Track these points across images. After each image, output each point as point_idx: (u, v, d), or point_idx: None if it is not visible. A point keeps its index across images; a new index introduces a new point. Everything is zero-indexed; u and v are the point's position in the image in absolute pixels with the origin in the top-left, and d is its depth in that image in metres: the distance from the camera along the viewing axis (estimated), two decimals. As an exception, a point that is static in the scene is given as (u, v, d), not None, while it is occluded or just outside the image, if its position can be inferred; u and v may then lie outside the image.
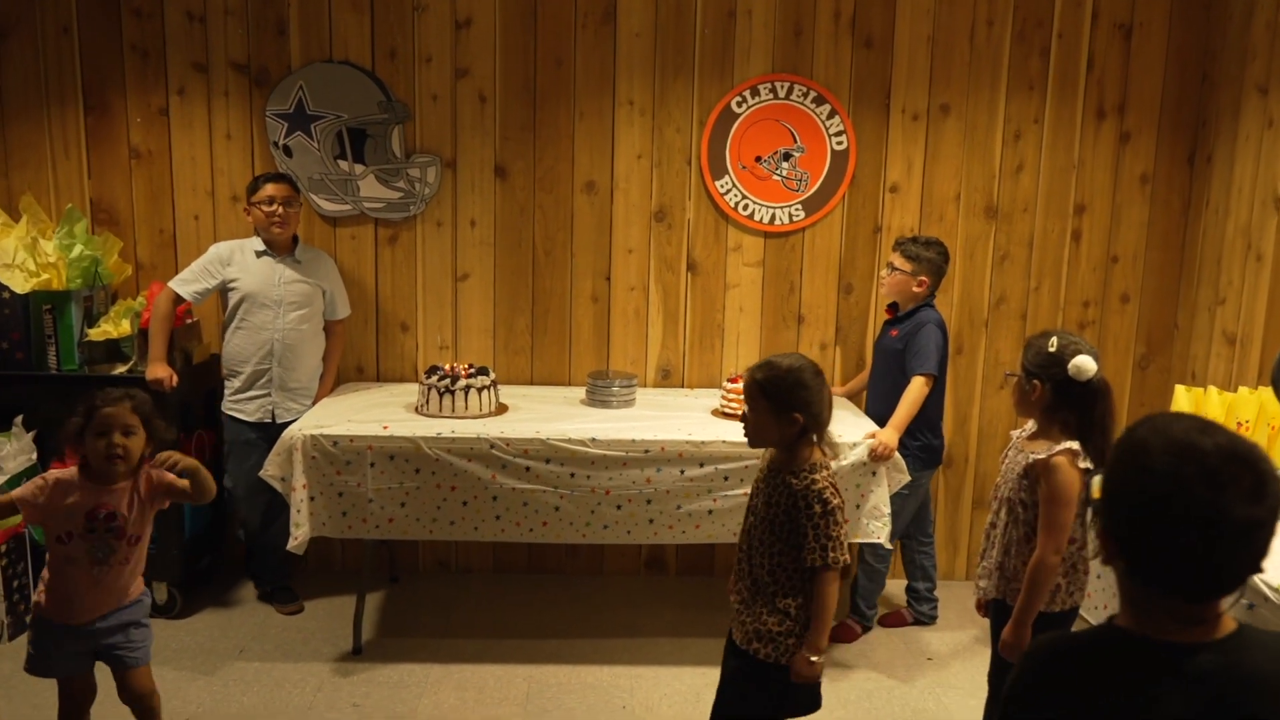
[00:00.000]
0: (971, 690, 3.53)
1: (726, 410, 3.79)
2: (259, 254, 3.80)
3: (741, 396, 3.73)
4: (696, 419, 3.74)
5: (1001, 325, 4.32)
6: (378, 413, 3.69)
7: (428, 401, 3.70)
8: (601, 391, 3.91)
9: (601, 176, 4.18)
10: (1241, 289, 3.88)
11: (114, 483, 2.64)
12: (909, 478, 3.62)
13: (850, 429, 3.61)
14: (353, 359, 4.28)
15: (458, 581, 4.36)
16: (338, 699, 3.34)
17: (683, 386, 4.34)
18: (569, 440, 3.45)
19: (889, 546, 3.65)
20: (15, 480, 3.69)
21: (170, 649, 3.62)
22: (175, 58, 4.08)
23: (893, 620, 4.05)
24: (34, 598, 2.74)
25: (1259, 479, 1.21)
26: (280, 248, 3.83)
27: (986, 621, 2.80)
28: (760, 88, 4.11)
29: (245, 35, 4.06)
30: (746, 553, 2.51)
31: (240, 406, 3.84)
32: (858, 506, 3.53)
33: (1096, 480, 1.35)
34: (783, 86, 4.11)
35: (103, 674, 2.79)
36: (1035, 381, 2.57)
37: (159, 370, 3.63)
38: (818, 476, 2.38)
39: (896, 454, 3.54)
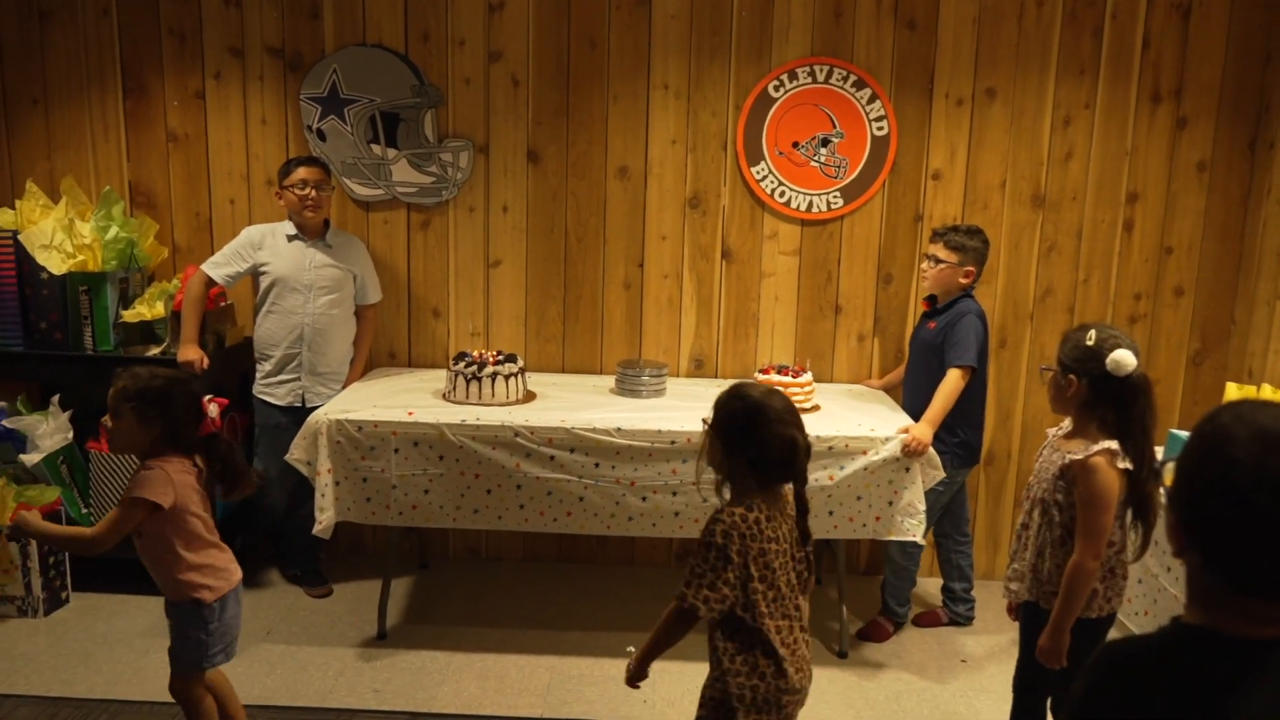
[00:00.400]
0: (1006, 695, 3.39)
1: (757, 401, 3.71)
2: (290, 238, 3.81)
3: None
4: (726, 410, 3.66)
5: (1047, 318, 4.17)
6: (405, 398, 3.68)
7: (454, 388, 3.67)
8: (631, 381, 3.85)
9: (635, 162, 4.11)
10: (1303, 283, 3.70)
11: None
12: (944, 474, 3.51)
13: (884, 423, 3.51)
14: (385, 344, 4.28)
15: (487, 569, 4.34)
16: (358, 684, 3.34)
17: (716, 377, 4.26)
18: (594, 430, 3.40)
19: (921, 543, 3.54)
20: (51, 459, 3.75)
21: (199, 629, 3.65)
22: (211, 41, 4.09)
23: (927, 620, 3.94)
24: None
25: None
26: (311, 232, 3.83)
27: (1023, 624, 2.70)
28: (799, 71, 4.01)
29: (280, 19, 4.06)
30: None
31: (271, 390, 3.86)
32: (890, 503, 3.43)
33: (1170, 466, 1.27)
34: (822, 70, 4.00)
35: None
36: (1071, 376, 2.45)
37: (190, 352, 3.65)
38: (731, 513, 2.13)
39: (931, 449, 3.43)
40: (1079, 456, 2.41)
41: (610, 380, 4.00)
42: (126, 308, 3.82)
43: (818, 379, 4.16)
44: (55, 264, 3.70)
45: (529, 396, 3.78)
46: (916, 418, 3.55)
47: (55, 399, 3.75)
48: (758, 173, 4.08)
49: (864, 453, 3.39)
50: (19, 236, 3.76)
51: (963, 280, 3.65)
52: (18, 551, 3.64)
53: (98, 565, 3.92)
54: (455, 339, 4.28)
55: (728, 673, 2.21)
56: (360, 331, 4.02)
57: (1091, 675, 1.28)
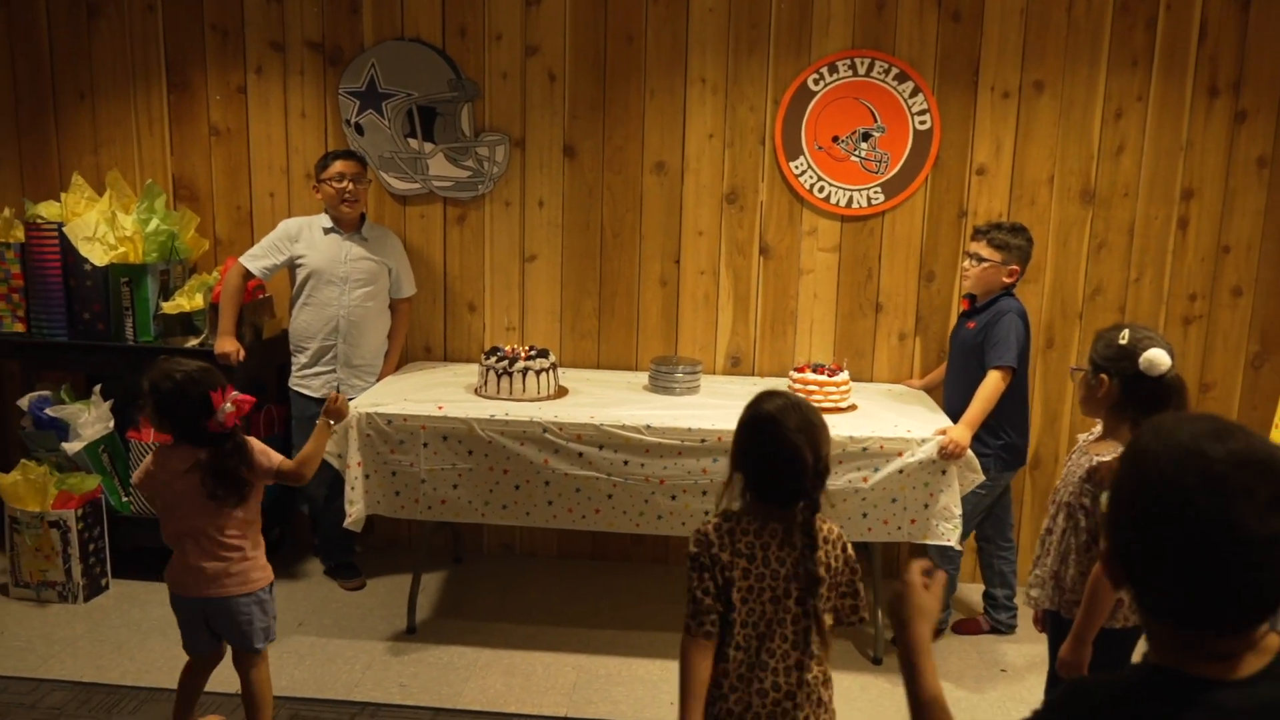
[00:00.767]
0: (1045, 706, 3.30)
1: (792, 400, 3.64)
2: (326, 231, 3.82)
3: (809, 388, 3.61)
4: (759, 408, 3.59)
5: (1097, 318, 4.03)
6: (436, 392, 3.67)
7: (485, 383, 3.66)
8: (664, 378, 3.80)
9: (672, 157, 4.06)
10: (1368, 283, 3.53)
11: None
12: (983, 477, 3.41)
13: (921, 424, 3.42)
14: (420, 338, 4.28)
15: (520, 565, 4.33)
16: (385, 678, 3.34)
17: (753, 375, 4.20)
18: (623, 426, 3.36)
19: (959, 548, 3.44)
20: (93, 447, 3.81)
21: (232, 619, 3.68)
22: (253, 36, 4.12)
23: (968, 628, 3.84)
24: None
25: (1277, 487, 1.03)
26: (347, 225, 3.84)
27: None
28: (839, 64, 3.92)
29: (320, 14, 4.08)
30: None
31: (306, 382, 3.88)
32: (926, 506, 3.34)
33: (1104, 496, 1.19)
34: (863, 63, 3.91)
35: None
36: (1103, 376, 2.36)
37: (226, 344, 3.68)
38: (705, 523, 2.05)
39: (969, 452, 3.34)
40: (1107, 459, 2.31)
41: (644, 377, 3.96)
42: (167, 299, 3.87)
43: (857, 378, 4.09)
44: (97, 256, 3.76)
45: (560, 392, 3.75)
46: (957, 419, 3.46)
47: (97, 389, 3.81)
48: (796, 167, 4.00)
49: (899, 454, 3.30)
50: (64, 229, 3.82)
51: (1006, 279, 3.55)
52: (58, 538, 3.70)
53: (137, 553, 3.99)
54: (490, 334, 4.26)
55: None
56: (395, 325, 4.03)
57: (1054, 712, 1.20)
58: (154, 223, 3.84)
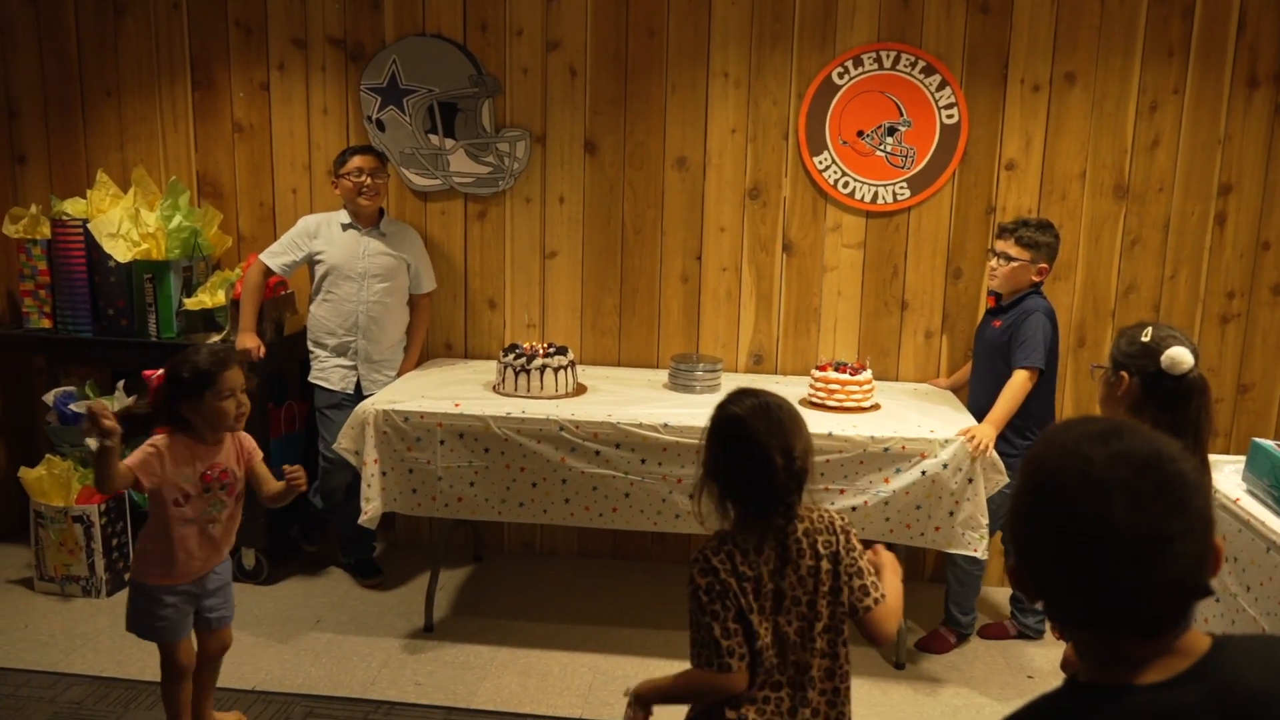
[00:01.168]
0: (1071, 714, 3.22)
1: (814, 400, 3.58)
2: (345, 227, 3.82)
3: (830, 387, 3.55)
4: (780, 407, 3.53)
5: (1130, 317, 3.92)
6: (454, 390, 3.65)
7: (504, 380, 3.63)
8: (684, 376, 3.76)
9: (693, 152, 4.01)
10: None
11: (220, 442, 2.73)
12: (1007, 478, 3.33)
13: (945, 425, 3.34)
14: (441, 335, 4.27)
15: (540, 563, 4.30)
16: (400, 676, 3.33)
17: (775, 373, 4.14)
18: (640, 425, 3.32)
19: (984, 557, 3.36)
20: (114, 443, 3.83)
21: (252, 615, 3.69)
22: (276, 33, 4.13)
23: (994, 632, 3.76)
24: (133, 566, 2.78)
25: (1161, 485, 1.01)
26: (366, 220, 3.83)
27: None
28: (864, 57, 3.85)
29: (342, 10, 4.07)
30: None
31: (326, 376, 3.87)
32: (951, 514, 3.26)
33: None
34: (888, 56, 3.84)
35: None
36: (1123, 374, 2.29)
37: (248, 340, 3.69)
38: (701, 556, 1.91)
39: (994, 452, 3.26)
40: None
41: (664, 375, 3.91)
42: (190, 296, 3.88)
43: (882, 377, 4.01)
44: (121, 252, 3.78)
45: (579, 390, 3.72)
46: (982, 419, 3.38)
47: (120, 384, 3.84)
48: (820, 163, 3.94)
49: (922, 456, 3.23)
50: (88, 225, 3.85)
51: (1034, 278, 3.47)
52: (82, 533, 3.73)
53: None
54: (511, 330, 4.24)
55: None
56: (414, 320, 4.02)
57: None
58: (177, 219, 3.86)
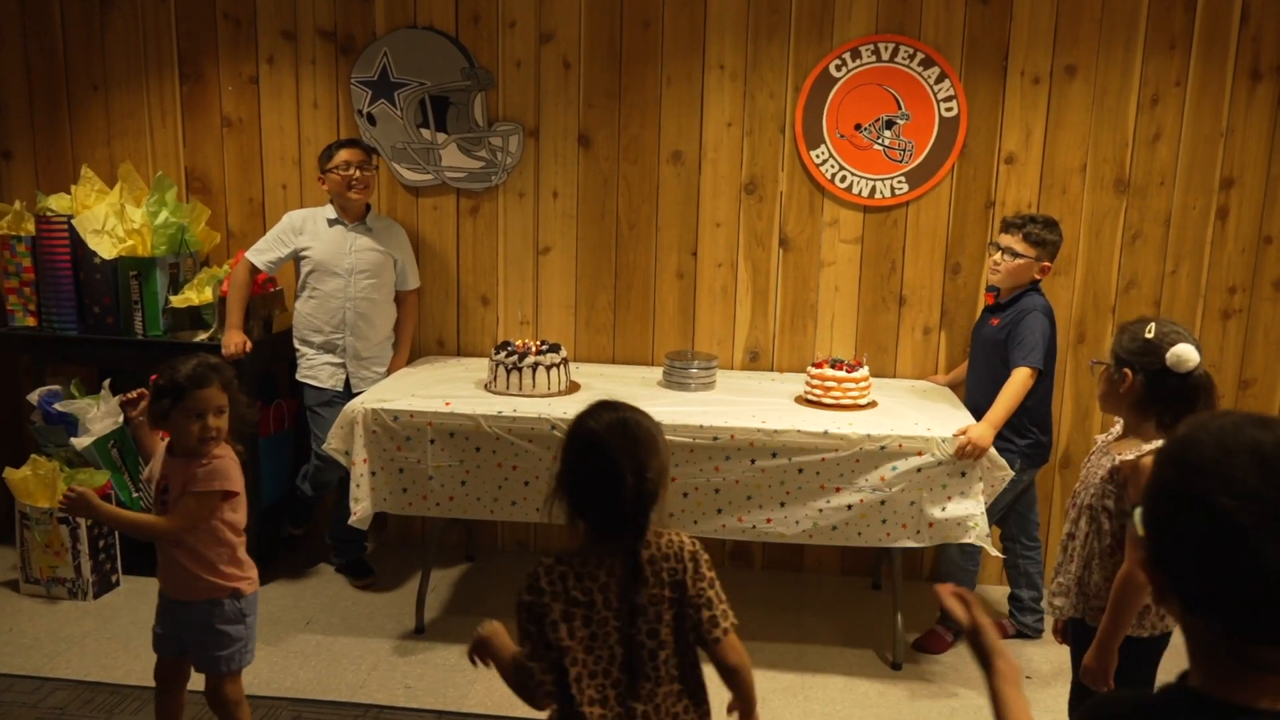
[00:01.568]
0: (1071, 717, 3.18)
1: (810, 398, 3.53)
2: (331, 222, 3.76)
3: (827, 384, 3.50)
4: (776, 406, 3.49)
5: (1131, 312, 3.87)
6: (445, 388, 3.60)
7: (495, 378, 3.58)
8: (679, 373, 3.70)
9: (689, 146, 3.96)
10: None
11: (188, 456, 2.52)
12: (1012, 473, 3.28)
13: (942, 423, 3.29)
14: (433, 332, 4.21)
15: (535, 563, 4.24)
16: (390, 679, 3.27)
17: (772, 370, 4.08)
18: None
19: (976, 544, 3.30)
20: (102, 443, 3.78)
21: (240, 616, 3.63)
22: (265, 25, 4.07)
23: (991, 631, 3.70)
24: None
25: None
26: (352, 215, 3.78)
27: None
28: (862, 49, 3.79)
29: (332, 2, 4.01)
30: None
31: (314, 374, 3.82)
32: (943, 509, 3.21)
33: (1138, 512, 1.09)
34: (887, 48, 3.78)
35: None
36: (1127, 371, 2.24)
37: (234, 339, 3.63)
38: (538, 563, 1.87)
39: (993, 450, 3.21)
40: (1130, 457, 2.19)
41: (659, 372, 3.86)
42: (176, 293, 3.83)
43: (880, 374, 3.96)
44: (105, 249, 3.72)
45: (572, 388, 3.66)
46: (979, 416, 3.33)
47: (106, 383, 3.78)
48: (817, 156, 3.88)
49: (918, 453, 3.18)
50: (72, 221, 3.79)
51: (1038, 275, 3.41)
52: (68, 534, 3.68)
53: (149, 548, 3.95)
54: (504, 327, 4.19)
55: None
56: (402, 317, 3.97)
57: None
58: (163, 215, 3.80)
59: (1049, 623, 3.63)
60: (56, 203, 3.89)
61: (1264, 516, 0.96)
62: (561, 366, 3.61)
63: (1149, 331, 2.21)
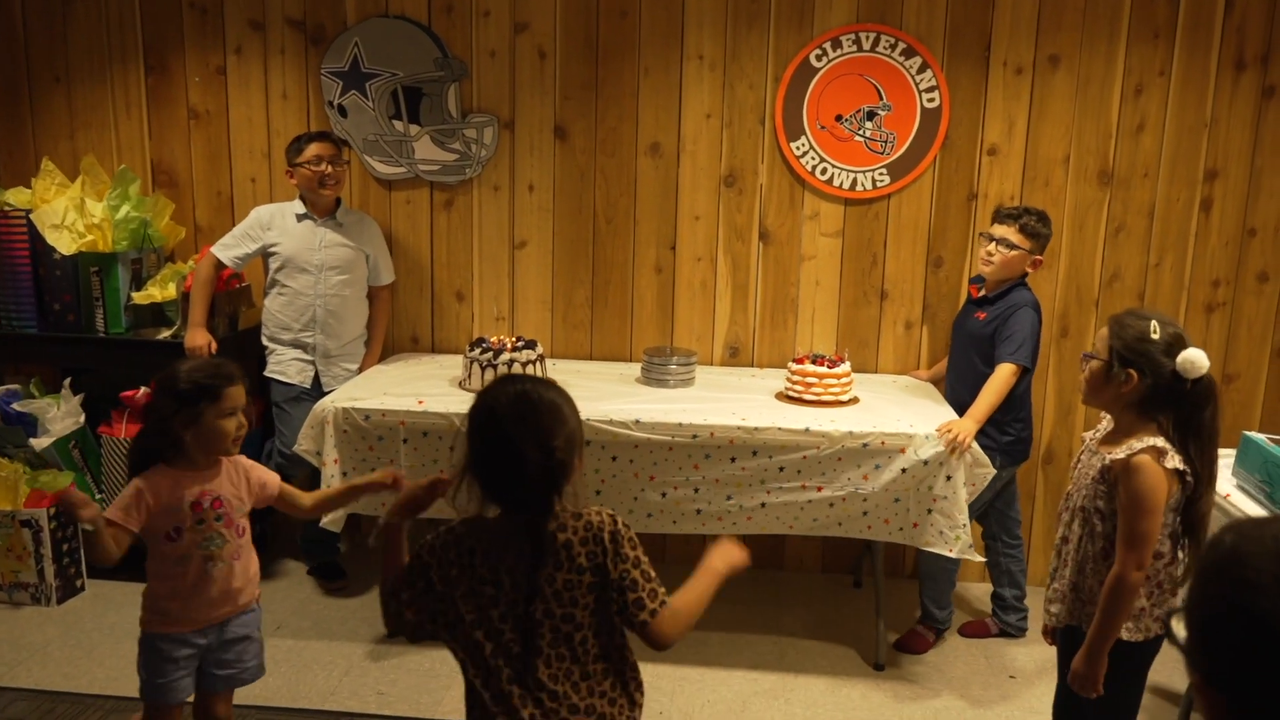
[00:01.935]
0: (1057, 717, 3.13)
1: (790, 394, 3.46)
2: (300, 217, 3.67)
3: (808, 380, 3.43)
4: (756, 403, 3.42)
5: (1114, 305, 3.82)
6: (418, 386, 3.51)
7: (470, 376, 3.50)
8: (658, 369, 3.63)
9: (667, 138, 3.88)
10: (1405, 268, 3.32)
11: (215, 466, 2.37)
12: (994, 471, 3.23)
13: (925, 419, 3.23)
14: (407, 328, 4.12)
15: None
16: (363, 685, 3.19)
17: (752, 365, 4.02)
18: (610, 421, 3.19)
19: (959, 557, 3.25)
20: (62, 444, 3.67)
21: (209, 621, 3.54)
22: (233, 15, 3.96)
23: (974, 630, 3.66)
24: (140, 616, 2.39)
25: None
26: (322, 210, 3.68)
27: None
28: (843, 39, 3.72)
29: (300, -10, 3.91)
30: None
31: (283, 370, 3.72)
32: (929, 511, 3.16)
33: (1179, 623, 1.02)
34: (868, 38, 3.71)
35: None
36: (1131, 371, 2.15)
37: (198, 337, 3.53)
38: (443, 535, 1.83)
39: (975, 446, 3.15)
40: (1120, 456, 2.13)
41: (637, 369, 3.78)
42: (139, 289, 3.72)
43: (861, 369, 3.91)
44: (65, 244, 3.61)
45: (549, 385, 3.58)
46: (962, 412, 3.28)
47: (67, 382, 3.67)
48: (798, 148, 3.81)
49: (901, 451, 3.12)
50: (31, 216, 3.68)
51: (1028, 269, 3.35)
52: (31, 538, 3.57)
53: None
54: (480, 323, 4.10)
55: None
56: (375, 313, 3.88)
57: None
58: (124, 209, 3.69)
59: (1034, 622, 3.60)
60: (15, 197, 3.78)
61: None
62: (538, 363, 3.53)
63: (1154, 331, 2.12)
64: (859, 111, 3.77)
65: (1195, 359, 2.09)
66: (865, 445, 3.13)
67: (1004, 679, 3.36)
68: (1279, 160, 3.69)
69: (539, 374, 3.52)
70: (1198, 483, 2.10)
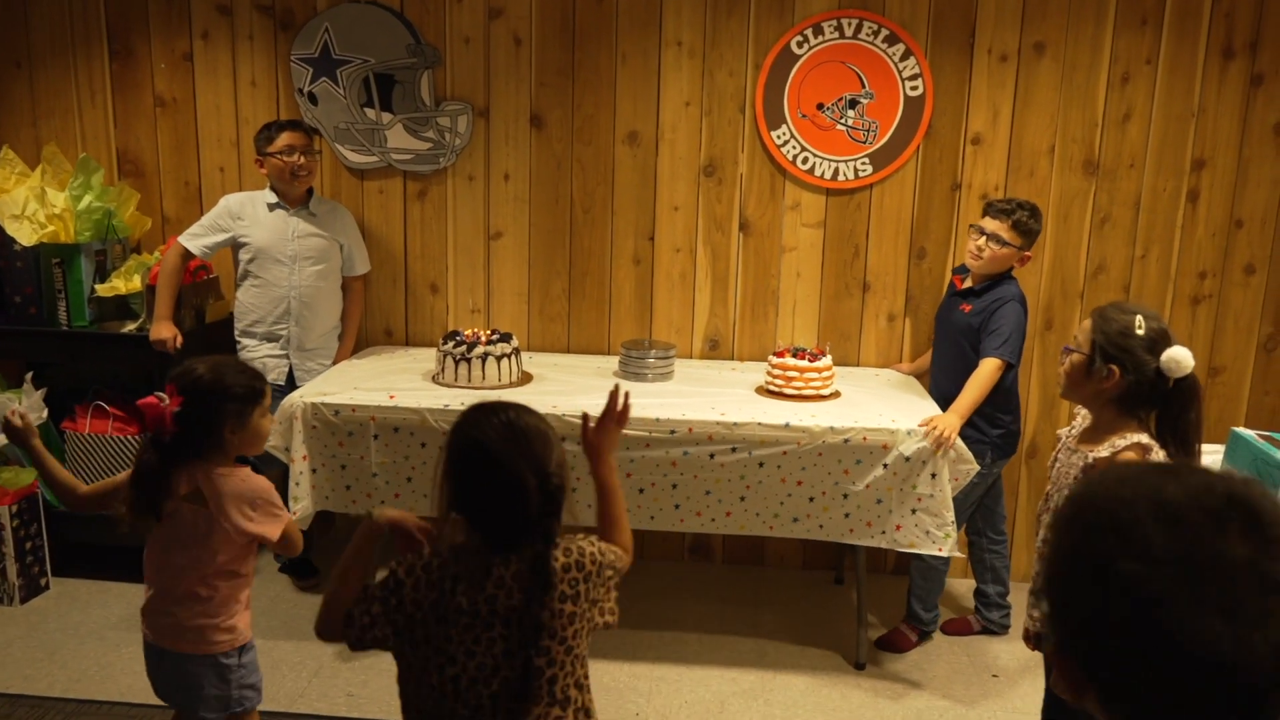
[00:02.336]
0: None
1: (771, 388, 3.39)
2: (271, 206, 3.57)
3: (788, 374, 3.36)
4: (736, 397, 3.35)
5: (1099, 298, 3.77)
6: (390, 380, 3.43)
7: (443, 370, 3.42)
8: (635, 363, 3.56)
9: (645, 126, 3.80)
10: (1394, 260, 3.27)
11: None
12: (978, 467, 3.16)
13: (909, 414, 3.16)
14: (381, 321, 4.04)
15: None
16: (333, 687, 3.11)
17: (732, 359, 3.95)
18: (584, 416, 3.11)
19: (947, 556, 3.19)
20: (25, 440, 3.57)
21: (176, 621, 3.46)
22: (199, -1, 3.86)
23: (957, 627, 3.61)
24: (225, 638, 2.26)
25: (1252, 519, 0.81)
26: (294, 200, 3.59)
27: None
28: (824, 25, 3.65)
29: (268, -26, 3.81)
30: None
31: (256, 364, 3.63)
32: (913, 510, 3.09)
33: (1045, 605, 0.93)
34: (850, 24, 3.64)
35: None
36: (1114, 367, 2.09)
37: (163, 330, 3.44)
38: (418, 568, 1.72)
39: (959, 442, 3.09)
40: (1104, 454, 2.06)
41: (615, 362, 3.71)
42: (103, 281, 3.62)
43: (843, 363, 3.84)
44: (25, 235, 3.51)
45: (525, 379, 3.51)
46: (946, 405, 3.21)
47: (29, 376, 3.57)
48: (778, 137, 3.73)
49: (884, 447, 3.05)
50: (-10, 206, 3.57)
51: (1018, 264, 3.29)
52: (-9, 536, 3.48)
53: (79, 550, 3.78)
54: (455, 316, 4.02)
55: None
56: (349, 305, 3.79)
57: None
58: (87, 199, 3.59)
59: (1016, 619, 3.55)
60: (-25, 186, 3.67)
61: (1175, 581, 0.79)
62: (513, 357, 3.45)
63: (1139, 327, 2.06)
64: (841, 100, 3.70)
65: (1179, 358, 2.03)
66: (846, 441, 3.06)
67: (987, 678, 3.31)
68: (1267, 150, 3.63)
69: (513, 367, 3.45)
70: None
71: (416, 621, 1.67)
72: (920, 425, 3.06)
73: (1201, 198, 3.69)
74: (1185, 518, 0.81)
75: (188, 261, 3.56)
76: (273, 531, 2.17)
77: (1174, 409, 2.04)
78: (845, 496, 3.10)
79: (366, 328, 4.00)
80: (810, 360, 3.35)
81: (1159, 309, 3.73)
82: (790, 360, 3.36)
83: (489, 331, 3.52)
